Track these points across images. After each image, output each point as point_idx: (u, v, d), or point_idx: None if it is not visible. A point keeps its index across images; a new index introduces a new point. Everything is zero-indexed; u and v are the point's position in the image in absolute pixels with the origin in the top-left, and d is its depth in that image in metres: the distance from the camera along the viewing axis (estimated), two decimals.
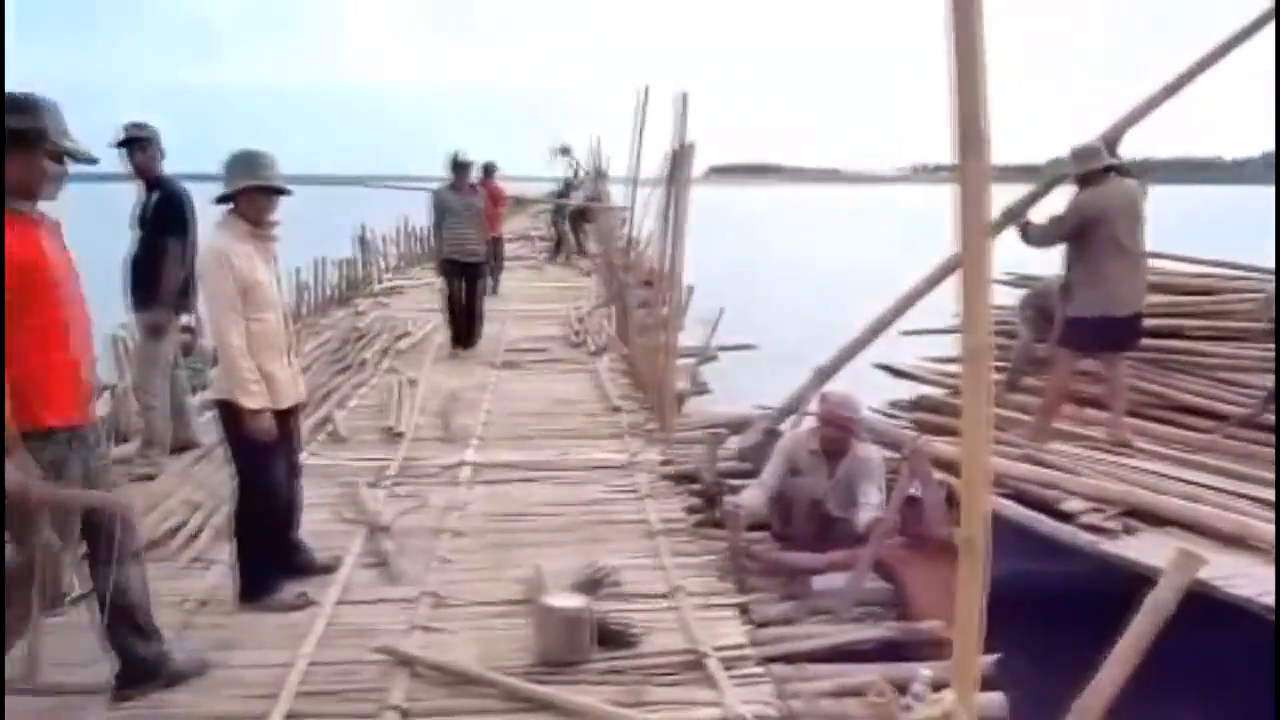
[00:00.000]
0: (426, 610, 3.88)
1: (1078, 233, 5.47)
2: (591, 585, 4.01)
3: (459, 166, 9.33)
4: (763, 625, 3.85)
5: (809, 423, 5.17)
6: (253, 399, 3.74)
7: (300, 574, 4.11)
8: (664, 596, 4.03)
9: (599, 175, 25.10)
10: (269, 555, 3.97)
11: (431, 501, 5.21)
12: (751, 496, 4.48)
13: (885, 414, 7.21)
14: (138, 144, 5.41)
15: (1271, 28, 4.85)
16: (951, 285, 3.10)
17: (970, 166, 2.13)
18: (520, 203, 22.11)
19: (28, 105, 2.77)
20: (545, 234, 22.00)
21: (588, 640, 3.46)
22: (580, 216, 19.23)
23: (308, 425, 6.13)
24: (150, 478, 5.35)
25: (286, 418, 3.97)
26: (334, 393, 7.56)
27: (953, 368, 7.49)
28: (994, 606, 2.31)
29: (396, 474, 5.70)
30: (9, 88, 2.79)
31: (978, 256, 2.17)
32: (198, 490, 5.10)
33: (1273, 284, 6.25)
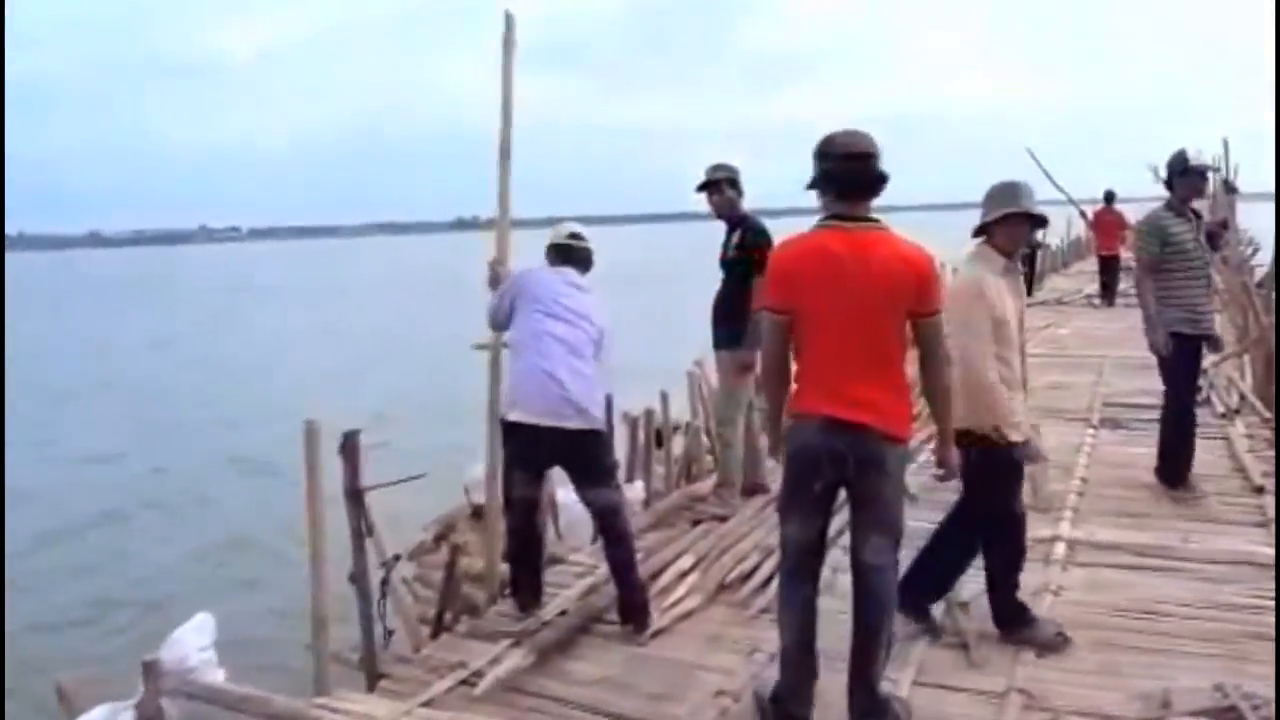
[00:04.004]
0: (1016, 711, 3.36)
1: None
2: (1231, 713, 3.17)
3: (1190, 173, 5.63)
4: None
5: None
6: (1017, 431, 3.71)
7: None
8: None
9: (1228, 190, 20.73)
10: None
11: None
12: None
13: None
14: (713, 186, 5.51)
15: None
16: None
17: None
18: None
19: None
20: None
21: None
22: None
23: None
24: (723, 519, 5.44)
25: None
26: None
27: None
28: None
29: None
30: None
31: None
32: (771, 534, 5.02)
33: None
